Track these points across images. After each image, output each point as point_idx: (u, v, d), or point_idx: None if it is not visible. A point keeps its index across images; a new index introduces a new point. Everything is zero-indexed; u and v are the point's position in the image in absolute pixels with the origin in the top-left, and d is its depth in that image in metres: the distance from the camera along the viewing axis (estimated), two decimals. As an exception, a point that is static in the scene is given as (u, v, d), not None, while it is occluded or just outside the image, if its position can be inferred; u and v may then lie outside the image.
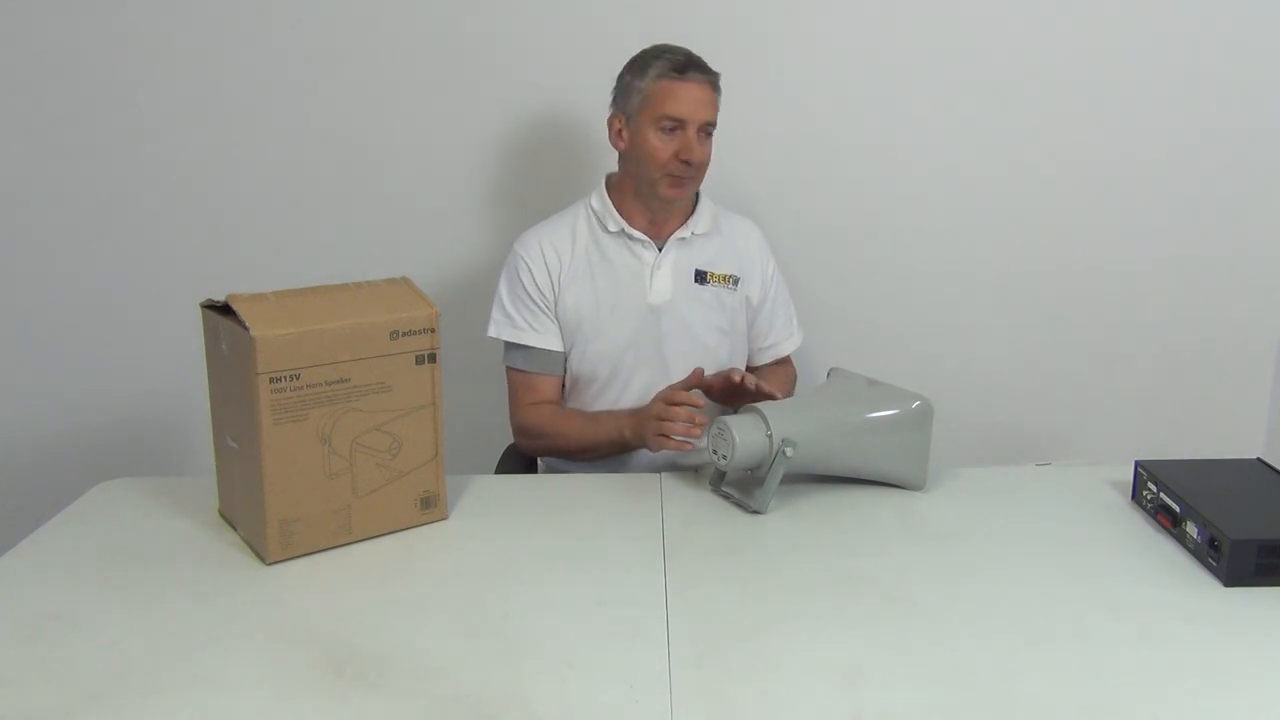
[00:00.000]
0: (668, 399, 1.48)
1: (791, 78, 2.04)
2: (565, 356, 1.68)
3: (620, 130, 1.64)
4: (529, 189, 2.07)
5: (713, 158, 1.67)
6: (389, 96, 2.03)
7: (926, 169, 2.10)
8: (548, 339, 1.66)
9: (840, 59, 2.03)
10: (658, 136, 1.58)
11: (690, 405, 1.45)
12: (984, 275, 2.16)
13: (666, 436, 1.45)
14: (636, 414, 1.56)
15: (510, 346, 1.68)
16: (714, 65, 1.62)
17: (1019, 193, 2.11)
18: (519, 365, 1.68)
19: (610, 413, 1.63)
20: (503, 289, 1.68)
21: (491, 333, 1.68)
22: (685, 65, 1.57)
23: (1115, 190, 2.12)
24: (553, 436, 1.66)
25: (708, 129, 1.60)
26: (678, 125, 1.57)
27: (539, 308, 1.65)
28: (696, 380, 1.53)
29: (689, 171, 1.59)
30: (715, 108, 1.60)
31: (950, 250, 2.14)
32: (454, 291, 2.08)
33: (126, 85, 2.01)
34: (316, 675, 0.99)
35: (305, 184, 2.07)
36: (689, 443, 1.45)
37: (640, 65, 1.60)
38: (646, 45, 1.62)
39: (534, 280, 1.64)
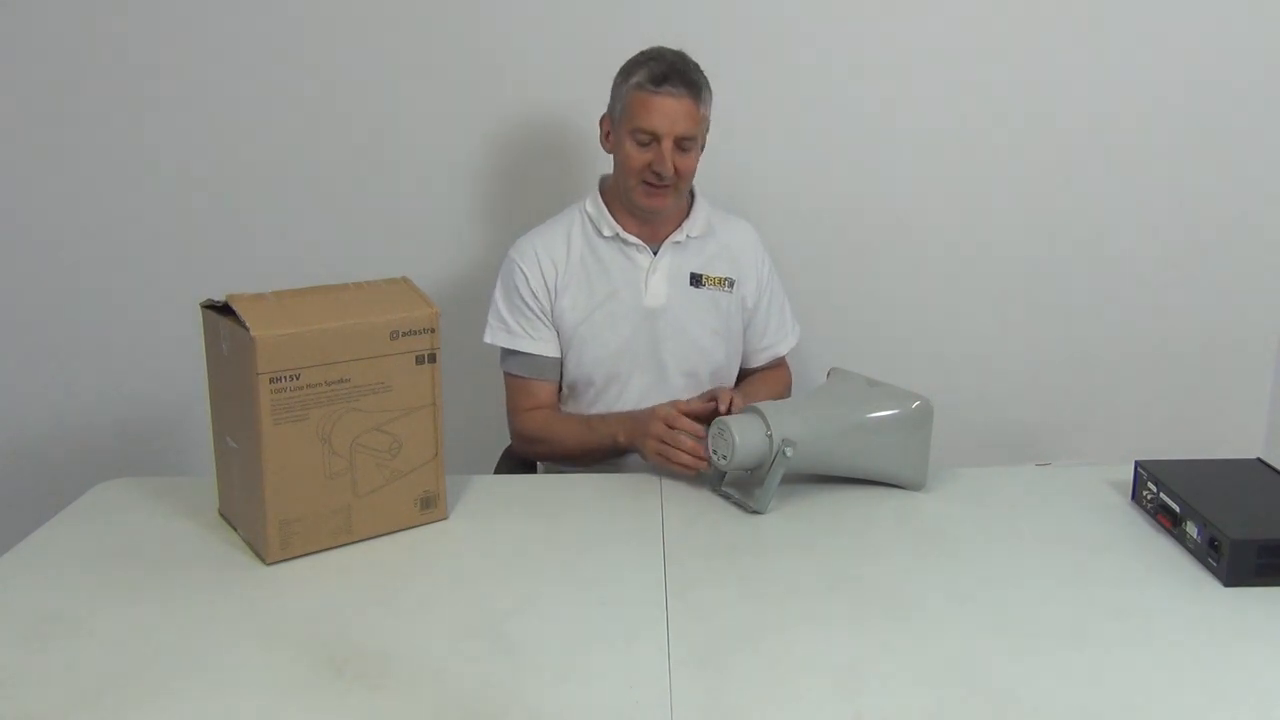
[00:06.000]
0: (670, 421, 1.47)
1: (790, 76, 2.04)
2: (561, 362, 1.69)
3: (608, 133, 1.64)
4: (530, 189, 2.07)
5: (713, 157, 1.67)
6: (389, 97, 2.03)
7: (926, 169, 2.10)
8: (543, 345, 1.66)
9: (840, 58, 2.03)
10: (633, 147, 1.57)
11: (693, 434, 1.44)
12: (984, 275, 2.16)
13: (667, 458, 1.46)
14: (633, 419, 1.55)
15: (507, 352, 1.68)
16: (711, 65, 1.62)
17: (1019, 193, 2.11)
18: (515, 371, 1.68)
19: (604, 417, 1.63)
20: (499, 295, 1.68)
21: (487, 339, 1.68)
22: (663, 77, 1.54)
23: (1115, 190, 2.12)
24: (549, 442, 1.66)
25: (685, 142, 1.57)
26: (651, 138, 1.56)
27: (534, 314, 1.65)
28: (702, 409, 1.50)
29: (661, 183, 1.58)
30: (696, 120, 1.57)
31: (951, 250, 2.14)
32: (454, 292, 2.08)
33: (126, 85, 2.01)
34: (316, 675, 0.99)
35: (305, 184, 2.07)
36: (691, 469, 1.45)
37: (627, 70, 1.59)
38: (644, 46, 1.61)
39: (529, 287, 1.64)
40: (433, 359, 1.29)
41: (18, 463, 2.18)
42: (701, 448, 1.42)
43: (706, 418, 1.44)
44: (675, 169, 1.57)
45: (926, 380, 1.57)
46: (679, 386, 1.69)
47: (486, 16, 1.99)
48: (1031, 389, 2.22)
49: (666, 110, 1.55)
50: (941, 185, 2.11)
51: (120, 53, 1.99)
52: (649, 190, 1.59)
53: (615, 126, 1.61)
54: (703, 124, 1.60)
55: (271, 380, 1.17)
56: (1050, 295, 2.17)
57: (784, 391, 1.81)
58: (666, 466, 1.46)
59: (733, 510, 1.38)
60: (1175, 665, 1.01)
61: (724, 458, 1.36)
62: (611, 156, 1.65)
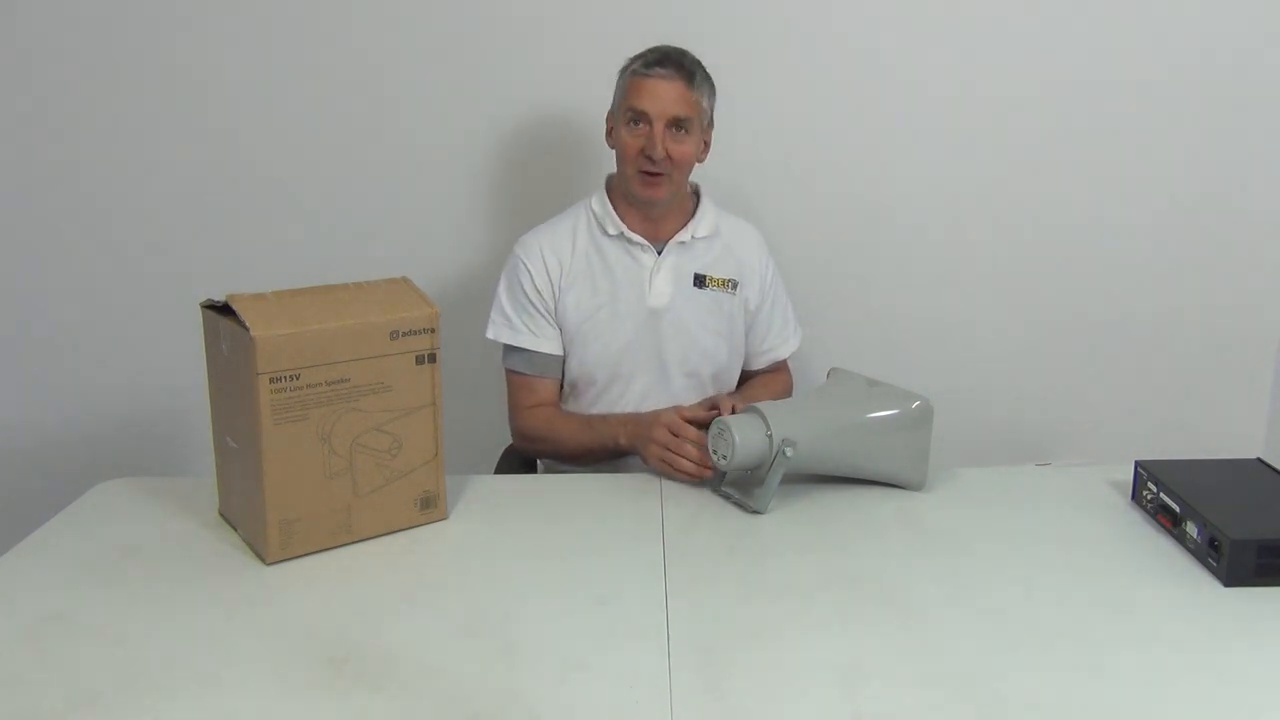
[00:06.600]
0: (674, 428, 1.46)
1: (792, 77, 2.04)
2: (563, 360, 1.68)
3: (610, 129, 1.65)
4: (530, 189, 2.07)
5: (714, 157, 1.67)
6: (390, 96, 2.03)
7: (927, 169, 2.10)
8: (546, 343, 1.66)
9: (841, 59, 2.03)
10: (627, 131, 1.58)
11: (697, 443, 1.43)
12: (984, 275, 2.16)
13: (670, 465, 1.45)
14: (635, 422, 1.55)
15: (509, 349, 1.68)
16: (714, 65, 1.62)
17: (1019, 192, 2.11)
18: (517, 368, 1.68)
19: (605, 418, 1.62)
20: (502, 291, 1.68)
21: (490, 335, 1.68)
22: (655, 60, 1.56)
23: (1115, 190, 2.12)
24: (549, 440, 1.66)
25: (679, 124, 1.57)
26: (642, 119, 1.56)
27: (538, 311, 1.65)
28: (705, 417, 1.49)
29: (654, 168, 1.57)
30: (689, 104, 1.57)
31: (950, 250, 2.14)
32: (454, 291, 2.08)
33: (126, 85, 2.01)
34: (316, 675, 0.99)
35: (305, 184, 2.07)
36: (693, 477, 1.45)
37: (626, 63, 1.62)
38: (647, 44, 1.62)
39: (534, 283, 1.64)
40: (433, 359, 1.29)
41: (18, 463, 2.18)
42: (705, 456, 1.42)
43: (708, 426, 1.44)
44: (670, 155, 1.57)
45: (926, 380, 1.57)
46: (681, 387, 1.69)
47: (488, 15, 1.99)
48: (1031, 389, 2.22)
49: (658, 92, 1.55)
50: (942, 185, 2.10)
51: (120, 51, 1.99)
52: (645, 179, 1.59)
53: (614, 117, 1.63)
54: (699, 113, 1.60)
55: (271, 380, 1.16)
56: (1050, 295, 2.17)
57: (784, 395, 1.80)
58: (668, 473, 1.46)
59: (733, 510, 1.38)
60: (1175, 665, 1.01)
61: (724, 458, 1.36)
62: (615, 154, 1.65)
